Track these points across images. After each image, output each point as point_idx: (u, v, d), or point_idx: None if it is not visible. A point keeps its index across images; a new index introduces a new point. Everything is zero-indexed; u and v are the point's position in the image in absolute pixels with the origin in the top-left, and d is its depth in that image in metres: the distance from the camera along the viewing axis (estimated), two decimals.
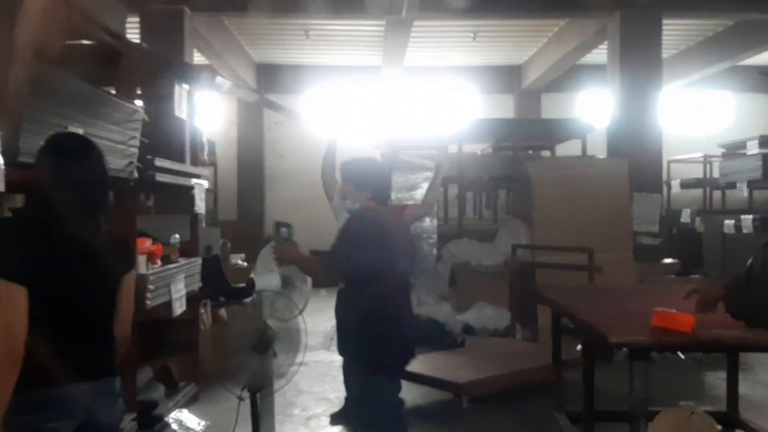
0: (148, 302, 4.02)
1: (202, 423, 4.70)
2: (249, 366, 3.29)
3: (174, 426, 4.51)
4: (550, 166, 7.51)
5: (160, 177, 4.13)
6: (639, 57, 7.86)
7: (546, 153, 9.90)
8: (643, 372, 2.67)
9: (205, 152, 10.32)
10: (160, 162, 4.11)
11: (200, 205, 4.88)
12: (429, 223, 8.37)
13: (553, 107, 13.12)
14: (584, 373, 3.35)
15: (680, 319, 2.39)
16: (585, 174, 7.29)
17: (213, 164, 12.70)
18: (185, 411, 4.82)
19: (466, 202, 11.19)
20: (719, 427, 2.97)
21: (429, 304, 7.59)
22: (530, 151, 10.32)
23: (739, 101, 13.52)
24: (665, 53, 9.92)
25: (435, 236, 8.37)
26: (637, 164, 7.58)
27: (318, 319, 7.86)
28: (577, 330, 3.56)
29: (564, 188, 7.15)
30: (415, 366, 5.44)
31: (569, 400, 4.27)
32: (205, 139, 11.90)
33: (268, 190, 13.48)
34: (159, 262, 4.51)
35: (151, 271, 4.17)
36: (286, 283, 4.36)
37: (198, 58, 10.76)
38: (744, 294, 1.84)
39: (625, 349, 3.22)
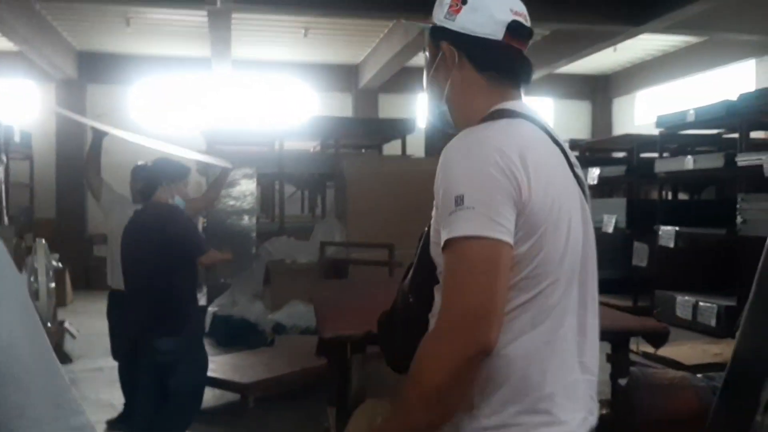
0: None
1: None
2: None
3: None
4: (365, 164, 7.58)
5: None
6: None
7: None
8: (360, 364, 2.66)
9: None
10: None
11: None
12: (248, 221, 8.18)
13: (391, 107, 13.32)
14: (330, 369, 3.32)
15: None
16: (398, 173, 7.40)
17: (29, 158, 11.77)
18: None
19: (301, 201, 11.13)
20: None
21: (242, 304, 7.41)
22: (363, 150, 10.42)
23: (558, 107, 14.40)
24: None
25: (254, 234, 8.20)
26: None
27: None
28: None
29: (378, 186, 7.22)
30: None
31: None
32: (16, 131, 11.01)
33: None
34: None
35: None
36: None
37: (6, 44, 9.97)
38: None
39: None
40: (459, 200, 1.20)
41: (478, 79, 1.41)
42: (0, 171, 8.14)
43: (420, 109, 12.71)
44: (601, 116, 14.36)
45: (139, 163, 4.64)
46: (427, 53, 1.51)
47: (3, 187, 8.20)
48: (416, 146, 9.10)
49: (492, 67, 1.41)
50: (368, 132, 8.77)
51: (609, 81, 14.27)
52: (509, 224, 1.20)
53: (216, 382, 4.99)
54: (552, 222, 1.25)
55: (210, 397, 5.24)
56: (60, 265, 9.92)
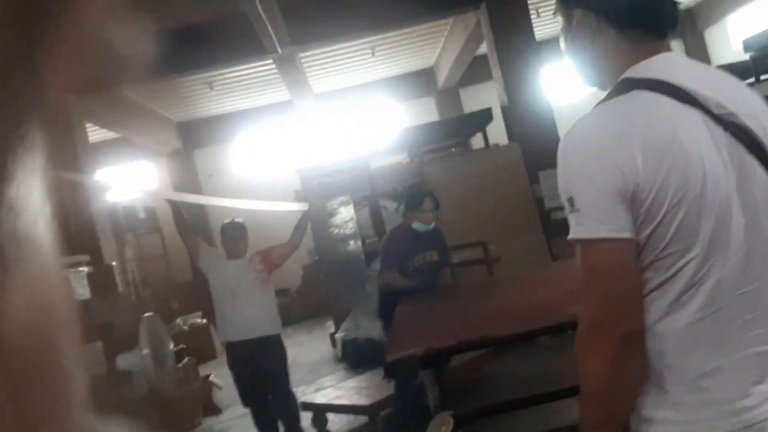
0: None
1: None
2: None
3: None
4: (447, 166, 7.64)
5: None
6: (513, 42, 8.01)
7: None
8: (433, 379, 2.77)
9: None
10: None
11: (80, 292, 4.98)
12: (353, 245, 8.47)
13: (474, 99, 13.25)
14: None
15: None
16: (480, 168, 7.41)
17: (158, 230, 12.80)
18: None
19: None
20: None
21: (365, 325, 7.67)
22: (453, 149, 10.46)
23: None
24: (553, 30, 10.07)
25: (362, 256, 8.46)
26: (536, 143, 7.72)
27: None
28: None
29: (463, 185, 7.27)
30: (328, 396, 5.60)
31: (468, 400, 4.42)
32: (140, 209, 12.04)
33: (218, 245, 13.52)
34: None
35: None
36: (157, 360, 4.31)
37: (106, 134, 10.91)
38: None
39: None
40: (571, 202, 1.24)
41: (618, 41, 1.32)
42: (128, 251, 8.91)
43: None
44: (696, 52, 13.53)
45: (226, 221, 5.00)
46: (560, 17, 1.41)
47: (132, 264, 8.97)
48: (501, 133, 9.03)
49: (634, 25, 1.31)
50: (446, 133, 8.81)
51: (695, 13, 13.43)
52: (620, 220, 1.21)
53: (343, 408, 5.24)
54: (676, 203, 1.20)
55: (344, 422, 5.52)
56: (204, 320, 10.73)
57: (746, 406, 1.22)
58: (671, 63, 1.30)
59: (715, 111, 1.24)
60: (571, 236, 1.24)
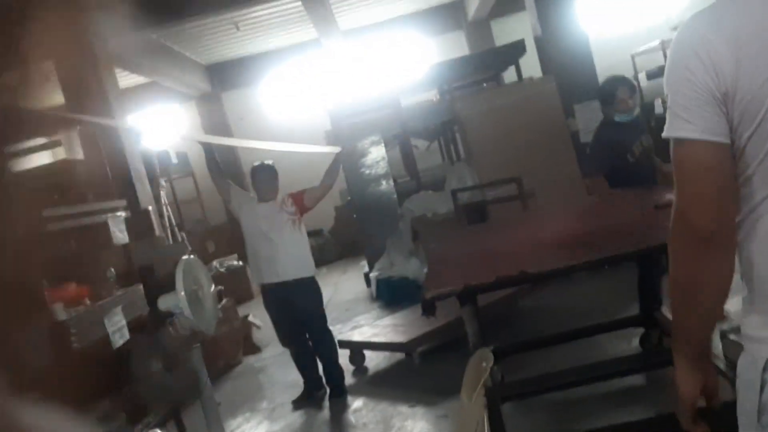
0: (75, 345, 4.22)
1: None
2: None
3: None
4: (478, 101, 7.47)
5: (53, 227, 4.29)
6: None
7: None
8: (471, 315, 2.77)
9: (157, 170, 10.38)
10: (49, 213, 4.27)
11: (119, 237, 5.04)
12: (385, 185, 8.45)
13: (506, 31, 12.89)
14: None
15: None
16: (513, 102, 7.25)
17: (190, 174, 12.90)
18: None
19: (440, 151, 11.17)
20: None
21: (399, 264, 7.71)
22: (485, 84, 10.24)
23: None
24: None
25: (394, 196, 8.43)
26: (571, 75, 7.50)
27: None
28: None
29: (496, 121, 7.13)
30: (365, 334, 5.66)
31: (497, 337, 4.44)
32: (172, 154, 12.11)
33: (249, 186, 13.61)
34: (87, 302, 4.69)
35: (72, 315, 4.36)
36: (193, 302, 4.33)
37: (136, 79, 10.91)
38: None
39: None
40: (667, 99, 1.23)
41: None
42: (162, 195, 9.00)
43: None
44: None
45: (256, 164, 4.99)
46: None
47: (167, 208, 9.07)
48: (534, 66, 8.78)
49: None
50: (478, 67, 8.61)
51: None
52: (706, 121, 1.16)
53: (380, 346, 5.30)
54: None
55: (381, 359, 5.60)
56: (240, 263, 10.88)
57: None
58: None
59: None
60: (664, 133, 1.23)
